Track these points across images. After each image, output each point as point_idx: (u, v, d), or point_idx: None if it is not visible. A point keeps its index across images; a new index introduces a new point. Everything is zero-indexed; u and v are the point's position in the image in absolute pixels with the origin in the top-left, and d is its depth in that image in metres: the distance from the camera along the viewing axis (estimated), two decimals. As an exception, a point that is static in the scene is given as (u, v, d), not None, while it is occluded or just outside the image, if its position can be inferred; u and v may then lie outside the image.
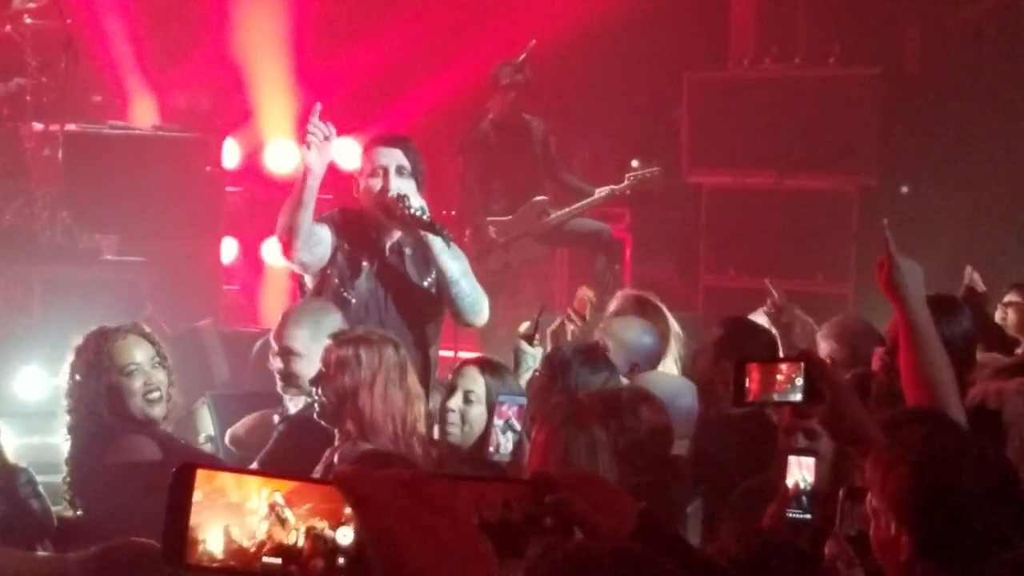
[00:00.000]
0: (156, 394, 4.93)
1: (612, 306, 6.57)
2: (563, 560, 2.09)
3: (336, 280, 5.87)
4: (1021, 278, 7.41)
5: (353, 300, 5.85)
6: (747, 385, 3.18)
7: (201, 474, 1.61)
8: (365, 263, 5.93)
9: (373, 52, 11.63)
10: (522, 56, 10.19)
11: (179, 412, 5.43)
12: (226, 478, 1.61)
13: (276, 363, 5.42)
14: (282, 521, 1.58)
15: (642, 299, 6.35)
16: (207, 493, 1.60)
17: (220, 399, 6.34)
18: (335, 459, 4.71)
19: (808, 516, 3.50)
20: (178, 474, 1.63)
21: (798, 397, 3.17)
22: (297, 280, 6.32)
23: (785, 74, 10.62)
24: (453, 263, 5.86)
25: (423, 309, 5.93)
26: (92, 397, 4.89)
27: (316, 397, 4.91)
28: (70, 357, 4.98)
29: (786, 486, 3.55)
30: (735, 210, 10.77)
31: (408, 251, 6.00)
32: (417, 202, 5.82)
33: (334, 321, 5.46)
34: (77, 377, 4.92)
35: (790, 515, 3.53)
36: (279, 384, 5.43)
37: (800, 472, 3.49)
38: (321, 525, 1.57)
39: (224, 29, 11.53)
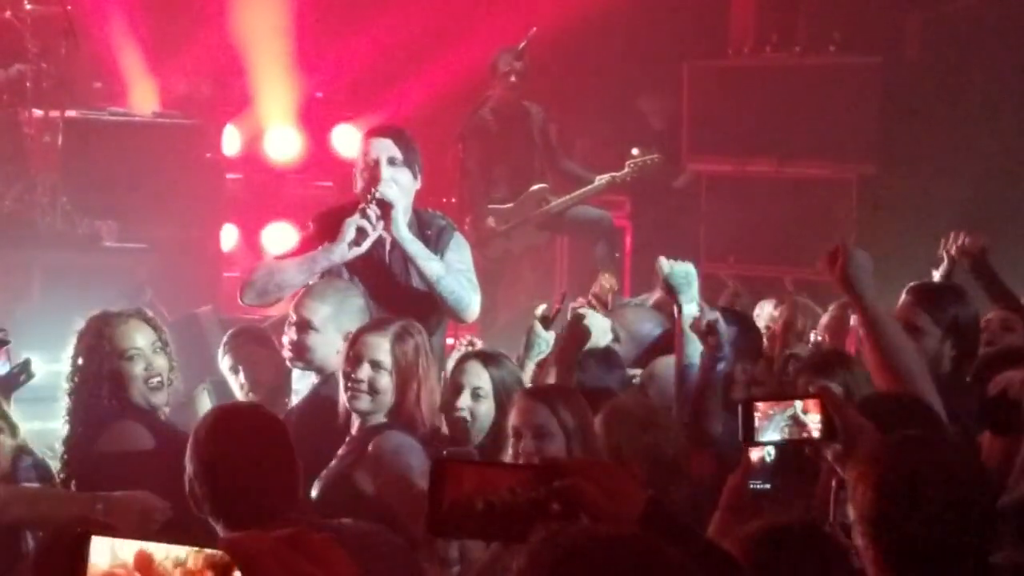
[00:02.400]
0: (157, 380, 4.93)
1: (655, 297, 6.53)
2: (567, 546, 2.10)
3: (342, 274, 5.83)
4: (1021, 265, 7.41)
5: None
6: (755, 424, 3.15)
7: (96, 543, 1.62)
8: (363, 259, 5.86)
9: (373, 39, 11.61)
10: (522, 43, 10.19)
11: (179, 398, 5.43)
12: (125, 551, 1.62)
13: (291, 333, 5.40)
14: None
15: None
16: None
17: (221, 385, 6.33)
18: (383, 450, 4.72)
19: (768, 486, 3.52)
20: (74, 542, 1.61)
21: (817, 435, 3.13)
22: None
23: (785, 62, 10.62)
24: (429, 264, 5.78)
25: (425, 300, 5.86)
26: (93, 381, 4.89)
27: (355, 385, 4.86)
28: (72, 341, 4.98)
29: (749, 457, 3.58)
30: (735, 198, 10.77)
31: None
32: (374, 212, 5.73)
33: (357, 304, 5.47)
34: (79, 361, 4.92)
35: (752, 485, 3.55)
36: (288, 356, 5.42)
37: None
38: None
39: (224, 16, 11.51)
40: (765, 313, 7.06)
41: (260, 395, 5.53)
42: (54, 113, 9.85)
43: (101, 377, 4.89)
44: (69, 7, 9.53)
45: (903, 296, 5.27)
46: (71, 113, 10.05)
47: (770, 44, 10.74)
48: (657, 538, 2.33)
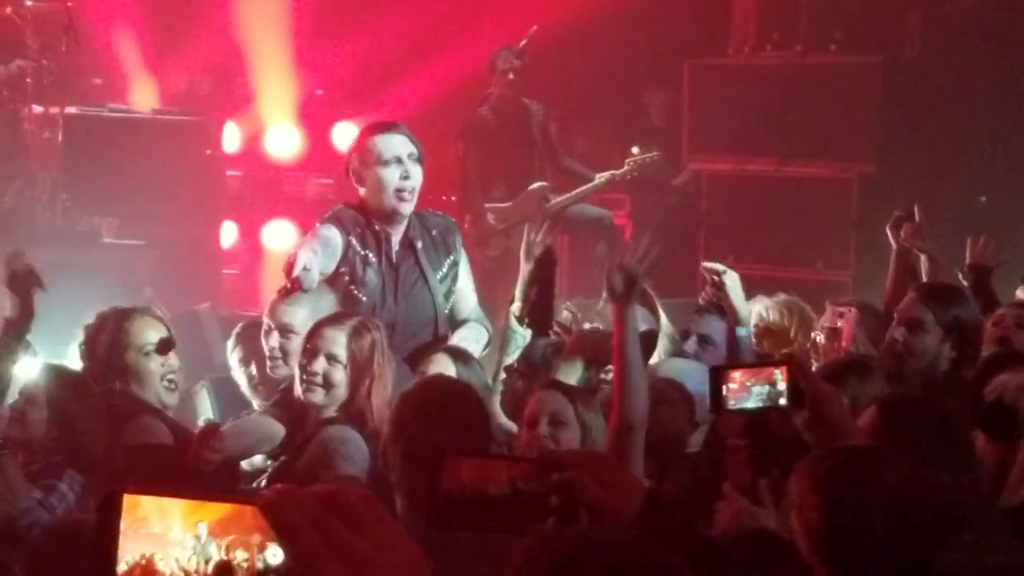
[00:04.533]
0: (172, 377, 4.97)
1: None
2: (564, 549, 2.09)
3: (347, 278, 5.72)
4: (1022, 265, 7.40)
5: (364, 298, 5.69)
6: (725, 392, 3.17)
7: (127, 500, 1.56)
8: (374, 258, 5.75)
9: (374, 37, 11.62)
10: (523, 42, 10.18)
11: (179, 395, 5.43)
12: (149, 506, 1.56)
13: (271, 340, 5.38)
14: (207, 553, 1.55)
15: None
16: (130, 523, 1.55)
17: (219, 382, 6.33)
18: (323, 441, 4.71)
19: None
20: (105, 502, 1.58)
21: (782, 401, 3.17)
22: None
23: (786, 61, 10.61)
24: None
25: (436, 300, 5.82)
26: (109, 375, 4.88)
27: (310, 378, 4.86)
28: (83, 335, 4.97)
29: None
30: (735, 197, 10.76)
31: (419, 243, 5.82)
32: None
33: (330, 301, 5.45)
34: (95, 353, 4.91)
35: None
36: (271, 364, 5.39)
37: None
38: (244, 555, 1.56)
39: (225, 13, 11.52)
40: (755, 311, 7.04)
41: (269, 389, 5.52)
42: (54, 109, 9.86)
43: (120, 371, 4.89)
44: (69, 3, 9.54)
45: (908, 293, 5.31)
46: (71, 109, 10.05)
47: (771, 43, 10.73)
48: (655, 532, 2.33)
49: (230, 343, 5.87)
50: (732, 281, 5.79)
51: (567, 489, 2.35)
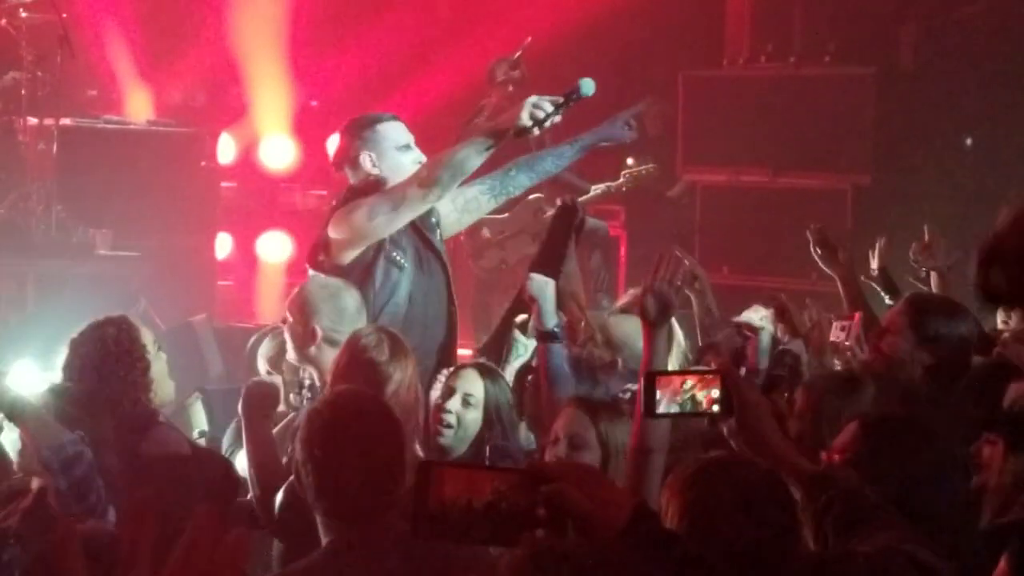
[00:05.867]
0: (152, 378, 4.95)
1: (623, 301, 6.57)
2: (552, 562, 2.10)
3: (388, 238, 5.82)
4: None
5: (404, 262, 5.83)
6: (658, 397, 3.22)
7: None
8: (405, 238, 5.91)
9: (369, 48, 11.63)
10: (518, 52, 10.20)
11: (172, 407, 5.41)
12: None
13: (311, 350, 5.34)
14: None
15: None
16: None
17: (212, 394, 6.33)
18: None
19: None
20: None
21: (715, 409, 3.23)
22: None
23: (780, 73, 10.62)
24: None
25: (446, 265, 6.02)
26: (118, 384, 4.83)
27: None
28: (88, 346, 4.89)
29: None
30: (730, 208, 10.77)
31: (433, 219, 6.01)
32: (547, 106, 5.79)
33: (355, 297, 5.48)
34: (102, 364, 4.84)
35: None
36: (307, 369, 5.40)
37: None
38: None
39: (220, 24, 11.53)
40: (755, 319, 7.04)
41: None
42: (49, 121, 9.85)
43: (132, 380, 4.85)
44: (64, 15, 9.53)
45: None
46: (66, 121, 10.05)
47: (765, 54, 10.75)
48: (641, 544, 2.34)
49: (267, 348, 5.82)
50: (767, 337, 5.78)
51: (554, 501, 2.36)
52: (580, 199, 10.16)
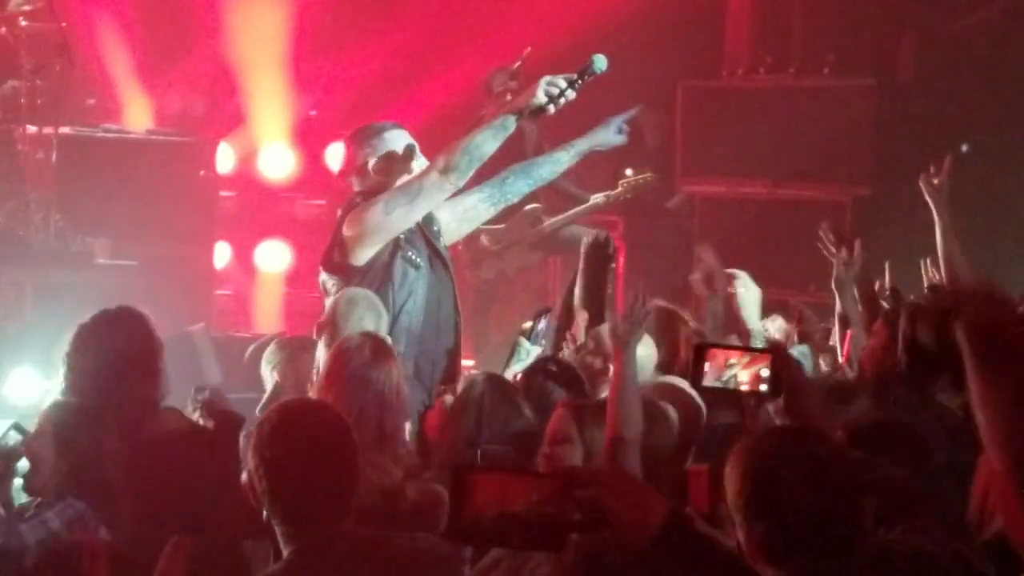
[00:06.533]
0: None
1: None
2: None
3: (403, 238, 5.90)
4: (1017, 286, 7.40)
5: (420, 261, 5.89)
6: (706, 369, 3.21)
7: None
8: (420, 242, 6.00)
9: (367, 58, 11.63)
10: (517, 63, 10.19)
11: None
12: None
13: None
14: None
15: (670, 312, 6.30)
16: None
17: (210, 404, 6.31)
18: None
19: None
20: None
21: (764, 388, 3.22)
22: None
23: (779, 84, 10.63)
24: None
25: (451, 270, 6.12)
26: (131, 377, 4.82)
27: None
28: (103, 343, 4.87)
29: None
30: (728, 219, 10.77)
31: (436, 228, 6.06)
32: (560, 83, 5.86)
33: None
34: (117, 360, 4.83)
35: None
36: None
37: None
38: None
39: (219, 34, 11.53)
40: (775, 327, 7.06)
41: None
42: (48, 130, 9.84)
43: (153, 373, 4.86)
44: (64, 24, 9.53)
45: None
46: (65, 130, 10.04)
47: (764, 66, 10.76)
48: (677, 549, 2.35)
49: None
50: (746, 291, 5.84)
51: (590, 506, 2.38)
52: (580, 208, 10.20)
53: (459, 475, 2.42)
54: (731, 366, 3.24)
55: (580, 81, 5.84)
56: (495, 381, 5.06)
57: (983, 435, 1.97)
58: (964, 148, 10.05)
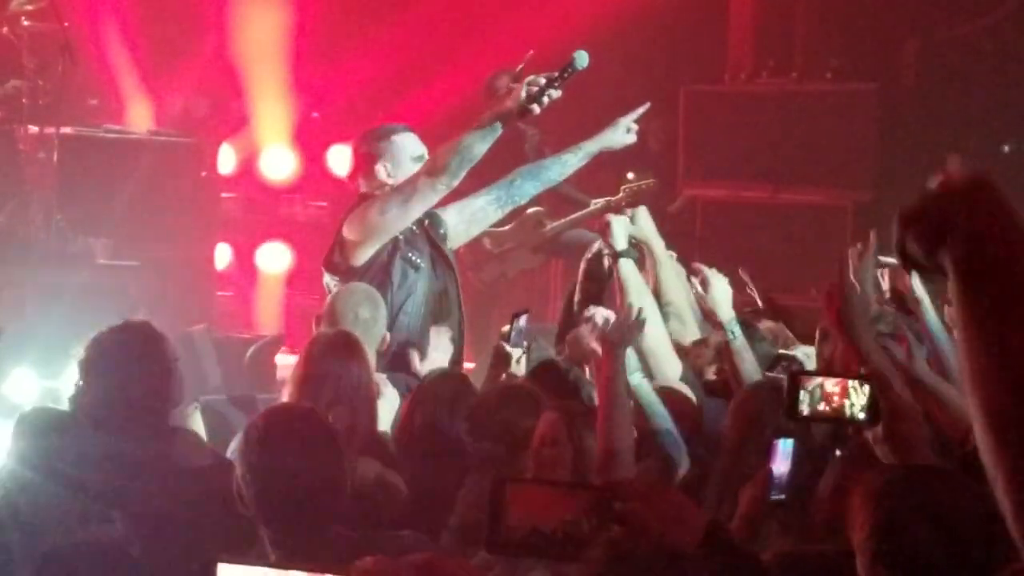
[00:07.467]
0: None
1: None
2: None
3: (402, 239, 5.93)
4: None
5: (420, 263, 5.93)
6: (800, 398, 3.12)
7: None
8: (424, 246, 6.04)
9: (369, 60, 11.62)
10: (520, 66, 10.17)
11: (171, 417, 5.37)
12: None
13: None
14: None
15: None
16: None
17: (211, 404, 6.31)
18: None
19: (783, 497, 3.56)
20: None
21: (862, 416, 3.11)
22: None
23: (782, 89, 10.63)
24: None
25: (456, 270, 6.18)
26: (149, 390, 4.73)
27: None
28: (125, 353, 4.77)
29: (770, 469, 3.59)
30: (730, 223, 10.77)
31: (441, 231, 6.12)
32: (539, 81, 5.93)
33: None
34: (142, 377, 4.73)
35: (773, 497, 3.58)
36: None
37: (783, 456, 3.56)
38: None
39: (221, 35, 11.53)
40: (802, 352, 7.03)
41: None
42: (50, 129, 9.83)
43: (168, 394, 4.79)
44: (66, 24, 9.52)
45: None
46: (67, 130, 10.02)
47: (767, 70, 10.76)
48: (716, 563, 2.34)
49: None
50: (716, 284, 5.82)
51: (629, 520, 2.38)
52: (582, 212, 10.19)
53: (499, 487, 2.44)
54: (826, 393, 3.13)
55: (561, 79, 5.85)
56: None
57: (959, 353, 1.80)
58: (1006, 149, 10.04)
